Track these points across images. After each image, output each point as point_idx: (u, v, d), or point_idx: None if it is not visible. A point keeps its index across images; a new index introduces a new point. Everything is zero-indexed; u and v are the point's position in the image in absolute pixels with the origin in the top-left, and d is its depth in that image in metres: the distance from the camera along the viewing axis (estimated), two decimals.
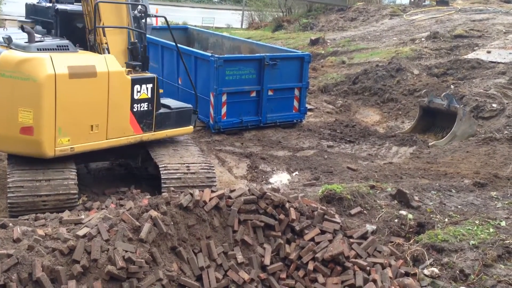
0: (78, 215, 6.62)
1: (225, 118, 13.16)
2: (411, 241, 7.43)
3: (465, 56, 19.51)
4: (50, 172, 7.90)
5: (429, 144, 13.05)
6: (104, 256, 5.43)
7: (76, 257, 5.35)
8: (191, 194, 6.70)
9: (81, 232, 5.65)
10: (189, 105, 9.74)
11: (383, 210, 8.19)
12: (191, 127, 9.70)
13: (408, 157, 12.30)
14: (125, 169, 10.18)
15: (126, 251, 5.52)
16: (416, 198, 8.69)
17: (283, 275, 6.68)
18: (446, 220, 7.93)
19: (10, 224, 6.07)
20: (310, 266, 6.59)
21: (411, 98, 16.23)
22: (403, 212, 8.12)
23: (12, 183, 7.62)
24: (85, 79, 7.74)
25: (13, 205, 7.55)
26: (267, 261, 6.68)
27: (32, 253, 5.30)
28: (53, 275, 5.20)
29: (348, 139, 13.52)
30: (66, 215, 6.69)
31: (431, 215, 8.09)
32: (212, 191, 7.00)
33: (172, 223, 6.15)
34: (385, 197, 8.70)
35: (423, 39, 23.22)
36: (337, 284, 6.37)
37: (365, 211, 8.16)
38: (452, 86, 16.33)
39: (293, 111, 14.31)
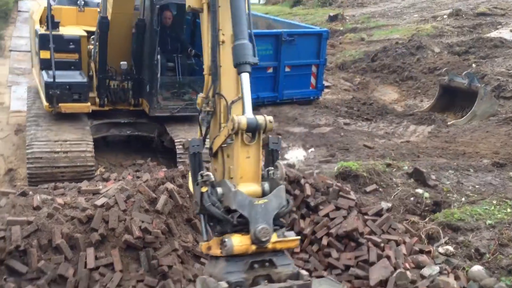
0: (96, 186, 6.72)
1: None
2: (427, 219, 7.40)
3: (488, 35, 19.05)
4: (68, 144, 8.01)
5: (448, 123, 12.87)
6: (121, 226, 5.52)
7: (95, 226, 5.45)
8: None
9: (99, 202, 5.73)
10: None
11: (399, 188, 8.15)
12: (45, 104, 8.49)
13: (426, 136, 12.16)
14: (141, 142, 10.23)
15: (143, 222, 5.59)
16: (433, 177, 8.62)
17: (297, 249, 6.72)
18: (463, 199, 7.87)
19: (30, 193, 6.19)
20: (324, 241, 6.62)
21: (431, 77, 15.95)
22: (419, 191, 8.07)
23: (30, 154, 7.74)
24: None
25: (32, 175, 7.69)
26: None
27: (51, 221, 5.41)
28: (72, 242, 5.31)
29: (365, 117, 13.40)
30: (84, 185, 6.79)
31: (448, 194, 8.03)
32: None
33: (188, 195, 6.21)
34: (401, 176, 8.64)
35: (445, 16, 22.70)
36: (350, 260, 6.39)
37: (380, 189, 8.13)
38: (473, 65, 16.01)
39: (310, 88, 14.18)
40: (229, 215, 3.74)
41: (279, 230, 3.88)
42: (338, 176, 8.31)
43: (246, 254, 3.72)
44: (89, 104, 8.63)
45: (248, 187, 3.89)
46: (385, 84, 16.39)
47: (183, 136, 8.91)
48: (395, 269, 6.08)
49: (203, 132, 4.73)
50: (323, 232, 6.66)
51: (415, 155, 10.52)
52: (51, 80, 8.19)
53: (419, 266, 6.27)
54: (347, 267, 6.35)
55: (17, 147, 9.40)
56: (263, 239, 3.67)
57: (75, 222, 5.48)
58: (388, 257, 6.22)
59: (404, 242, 6.67)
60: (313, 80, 14.12)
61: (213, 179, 3.87)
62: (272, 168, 4.05)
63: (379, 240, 6.49)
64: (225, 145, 4.26)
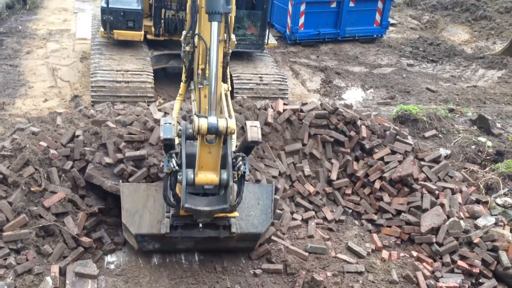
0: None
1: (302, 29, 12.74)
2: (487, 169, 7.15)
3: None
4: (129, 74, 8.19)
5: None
6: None
7: None
8: (271, 107, 6.82)
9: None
10: None
11: (460, 135, 7.86)
12: None
13: (495, 81, 11.50)
14: None
15: None
16: (498, 125, 8.23)
17: (349, 191, 6.74)
18: None
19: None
20: (377, 185, 6.58)
21: (507, 17, 14.82)
22: (482, 139, 7.75)
23: (94, 82, 8.01)
24: None
25: (95, 103, 7.98)
26: (333, 176, 6.73)
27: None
28: None
29: (430, 58, 12.77)
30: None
31: None
32: (284, 104, 7.00)
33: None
34: (464, 122, 8.31)
35: None
36: (402, 205, 6.35)
37: (440, 135, 7.87)
38: None
39: (374, 25, 13.57)
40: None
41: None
42: (396, 119, 8.10)
43: None
44: (142, 32, 8.66)
45: (207, 175, 4.43)
46: (456, 23, 15.41)
47: (241, 71, 8.88)
48: (448, 217, 5.99)
49: (186, 68, 5.18)
50: (376, 176, 6.61)
51: (481, 101, 10.03)
52: (105, 5, 8.27)
53: (474, 216, 6.14)
54: (399, 212, 6.33)
55: (82, 74, 9.72)
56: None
57: None
58: (442, 205, 6.11)
59: (461, 191, 6.52)
60: (378, 17, 13.47)
61: (177, 168, 4.36)
62: (243, 156, 4.44)
63: (434, 187, 6.37)
64: (201, 86, 4.56)
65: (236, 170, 4.41)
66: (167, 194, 4.57)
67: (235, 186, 4.49)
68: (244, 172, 4.40)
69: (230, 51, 5.07)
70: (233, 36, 4.82)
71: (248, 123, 4.48)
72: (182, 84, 5.50)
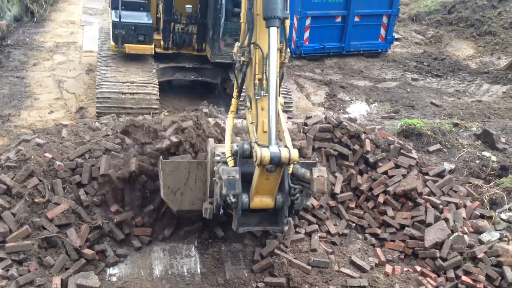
0: None
1: (307, 43, 12.83)
2: (491, 183, 7.11)
3: None
4: (135, 86, 8.25)
5: None
6: None
7: None
8: None
9: None
10: None
11: (464, 149, 7.83)
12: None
13: (499, 96, 11.49)
14: (205, 88, 10.36)
15: None
16: (503, 140, 8.20)
17: (352, 205, 6.72)
18: None
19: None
20: (381, 199, 6.55)
21: None
22: (487, 154, 7.72)
23: (100, 94, 8.07)
24: None
25: (100, 114, 8.04)
26: (337, 189, 6.71)
27: None
28: None
29: (435, 73, 12.80)
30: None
31: None
32: (288, 118, 7.01)
33: None
34: (469, 137, 8.29)
35: None
36: (406, 219, 6.31)
37: (444, 149, 7.85)
38: None
39: (379, 40, 13.64)
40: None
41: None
42: (400, 133, 8.09)
43: None
44: (153, 46, 8.76)
45: (262, 199, 4.38)
46: (460, 38, 15.46)
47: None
48: (452, 232, 5.95)
49: (239, 82, 4.86)
50: (380, 190, 6.59)
51: (486, 116, 10.01)
52: (117, 19, 8.38)
53: (478, 231, 6.10)
54: (402, 226, 6.29)
55: (88, 86, 9.80)
56: None
57: None
58: (446, 220, 6.08)
59: (465, 206, 6.48)
60: (383, 32, 13.55)
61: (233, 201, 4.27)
62: (301, 190, 4.43)
63: (438, 201, 6.34)
64: (258, 97, 4.37)
65: (291, 197, 4.42)
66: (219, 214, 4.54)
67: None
68: (297, 204, 4.46)
69: (287, 61, 4.78)
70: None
71: (315, 171, 4.23)
72: (233, 100, 5.10)
